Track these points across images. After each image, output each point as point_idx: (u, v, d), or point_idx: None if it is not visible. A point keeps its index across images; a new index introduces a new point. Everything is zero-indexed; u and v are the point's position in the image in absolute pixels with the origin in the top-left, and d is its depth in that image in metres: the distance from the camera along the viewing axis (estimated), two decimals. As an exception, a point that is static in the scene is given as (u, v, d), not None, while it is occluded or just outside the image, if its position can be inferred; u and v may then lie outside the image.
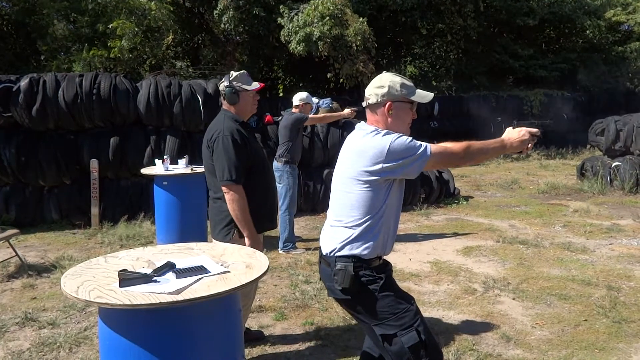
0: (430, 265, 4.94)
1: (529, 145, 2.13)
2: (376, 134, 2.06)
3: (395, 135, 2.04)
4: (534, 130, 2.15)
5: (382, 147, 2.01)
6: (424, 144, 2.04)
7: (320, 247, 2.25)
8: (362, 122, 2.21)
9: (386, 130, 2.07)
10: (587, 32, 18.21)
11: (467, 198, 8.20)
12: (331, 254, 2.12)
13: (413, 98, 2.15)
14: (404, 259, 5.09)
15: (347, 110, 5.52)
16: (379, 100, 2.13)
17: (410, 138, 2.05)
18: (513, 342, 3.36)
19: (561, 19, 16.73)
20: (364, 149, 2.05)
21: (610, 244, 5.65)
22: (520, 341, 3.38)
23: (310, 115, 5.43)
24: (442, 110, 14.40)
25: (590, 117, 12.07)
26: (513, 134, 2.15)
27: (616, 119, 9.03)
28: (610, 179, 8.64)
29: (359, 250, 2.07)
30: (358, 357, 2.48)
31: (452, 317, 3.77)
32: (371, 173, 2.03)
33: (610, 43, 18.97)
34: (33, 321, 3.71)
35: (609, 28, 18.58)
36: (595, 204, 7.61)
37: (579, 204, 7.54)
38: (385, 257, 2.20)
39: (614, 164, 8.66)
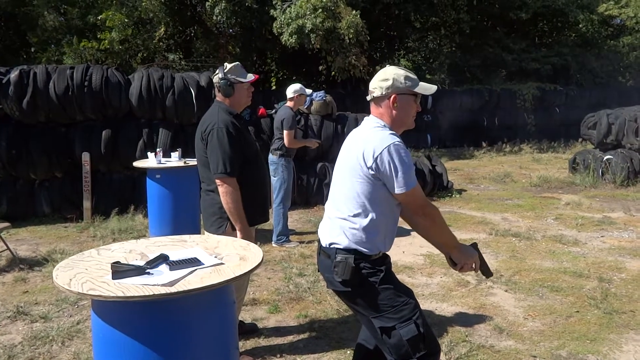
0: (424, 258, 4.95)
1: (463, 268, 2.26)
2: (381, 130, 2.07)
3: (399, 142, 2.02)
4: (475, 268, 2.27)
5: (381, 145, 2.00)
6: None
7: (319, 239, 2.25)
8: (371, 115, 2.20)
9: (392, 132, 2.07)
10: (580, 25, 18.26)
11: (460, 191, 8.23)
12: (331, 246, 2.12)
13: (417, 90, 2.15)
14: (398, 252, 5.10)
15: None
16: (384, 93, 2.13)
17: (411, 159, 2.05)
18: (505, 334, 3.38)
19: (554, 12, 16.76)
20: (365, 142, 2.05)
21: (602, 236, 5.69)
22: (513, 332, 3.40)
23: (293, 141, 5.29)
24: (435, 104, 14.42)
25: (582, 111, 12.13)
26: (468, 252, 2.24)
27: (608, 112, 9.08)
28: (601, 172, 8.70)
29: (358, 245, 2.06)
30: (352, 350, 2.49)
31: (445, 309, 3.78)
32: (367, 167, 2.03)
33: (603, 37, 19.04)
34: (25, 315, 3.69)
35: (602, 22, 18.64)
36: (587, 197, 7.66)
37: (570, 197, 7.59)
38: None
39: (605, 158, 8.72)
